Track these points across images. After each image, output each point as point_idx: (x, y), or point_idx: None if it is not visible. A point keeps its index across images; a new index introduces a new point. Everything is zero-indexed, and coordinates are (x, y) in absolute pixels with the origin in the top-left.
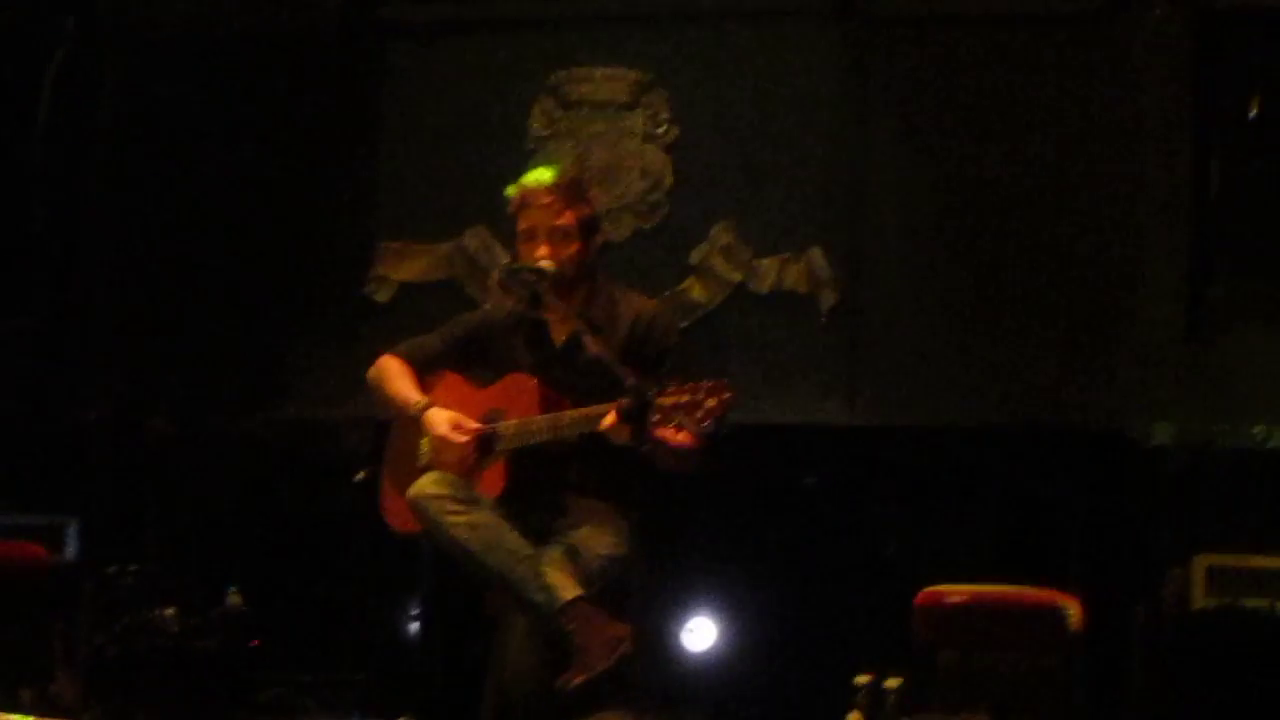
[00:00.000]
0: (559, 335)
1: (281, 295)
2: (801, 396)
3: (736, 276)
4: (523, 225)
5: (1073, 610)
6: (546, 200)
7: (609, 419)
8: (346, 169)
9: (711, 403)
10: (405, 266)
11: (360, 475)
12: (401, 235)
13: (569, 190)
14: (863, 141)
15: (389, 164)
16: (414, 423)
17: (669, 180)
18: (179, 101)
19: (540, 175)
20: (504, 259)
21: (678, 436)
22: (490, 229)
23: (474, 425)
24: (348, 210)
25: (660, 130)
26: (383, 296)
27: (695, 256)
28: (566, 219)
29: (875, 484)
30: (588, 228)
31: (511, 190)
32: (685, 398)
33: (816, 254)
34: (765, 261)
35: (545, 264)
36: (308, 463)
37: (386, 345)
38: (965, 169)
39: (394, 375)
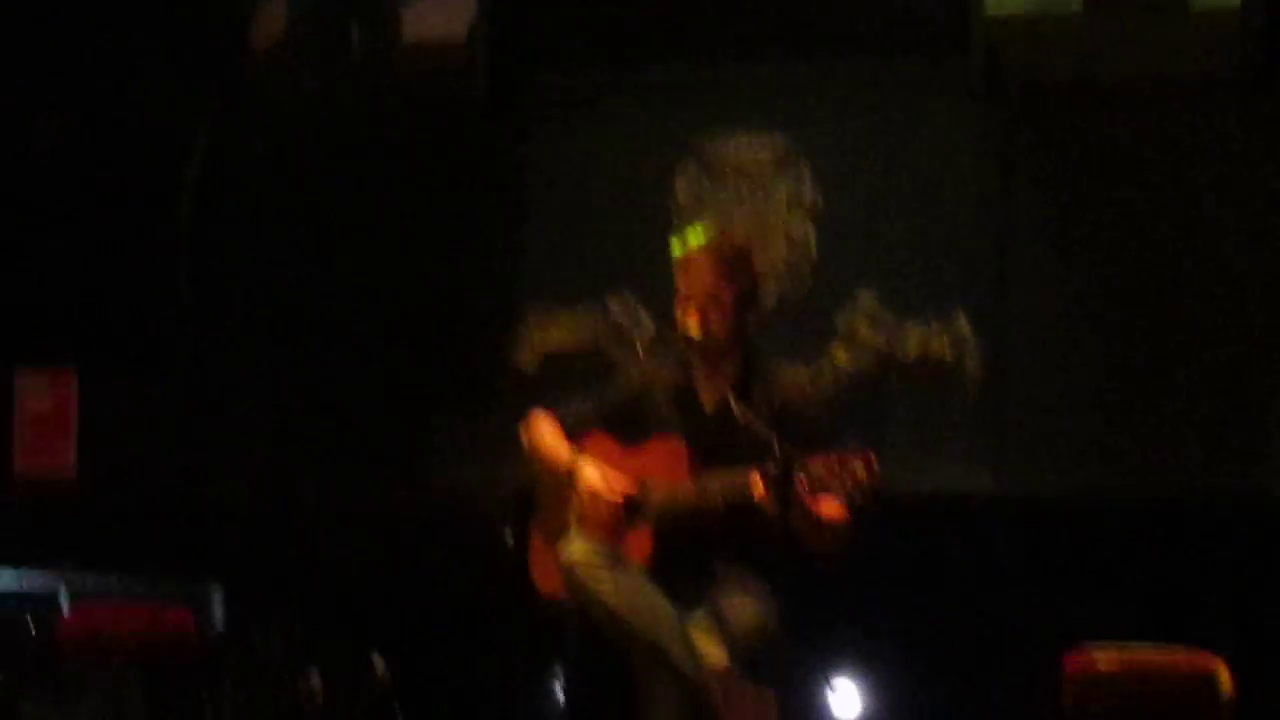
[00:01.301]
0: (709, 402)
1: (426, 365)
2: (948, 466)
3: (881, 342)
4: (681, 287)
5: (1224, 676)
6: (706, 266)
7: (755, 484)
8: (491, 238)
9: (860, 471)
10: (550, 334)
11: (510, 537)
12: (549, 300)
13: (731, 261)
14: (1008, 211)
15: (534, 231)
16: (564, 480)
17: (813, 248)
18: (324, 170)
19: (704, 239)
20: (649, 326)
21: (825, 508)
22: (635, 296)
23: (625, 482)
24: (494, 280)
25: (805, 197)
26: (529, 365)
27: (841, 322)
28: (724, 290)
29: (1023, 556)
30: (743, 299)
31: (676, 249)
32: (834, 465)
33: (961, 320)
34: (911, 327)
35: (692, 329)
36: (452, 530)
37: (533, 405)
38: (1115, 237)
39: (545, 429)
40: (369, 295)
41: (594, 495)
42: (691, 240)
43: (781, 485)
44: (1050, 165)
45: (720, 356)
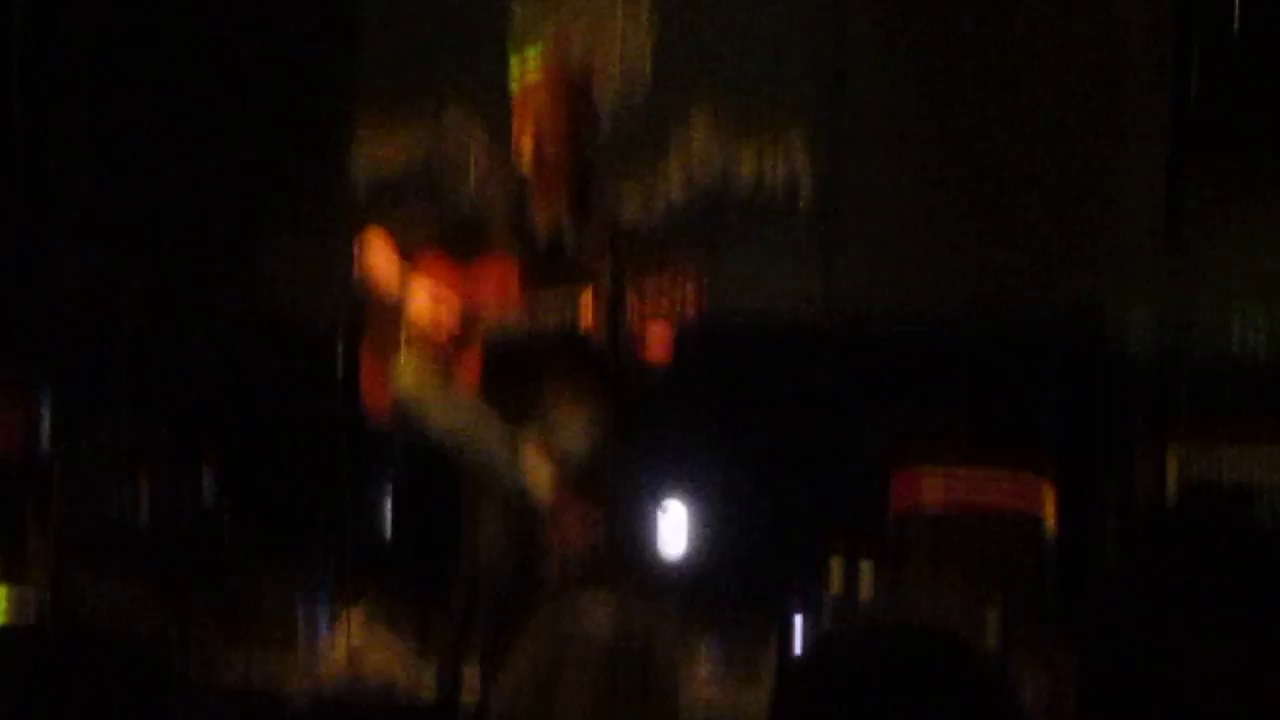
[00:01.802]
0: (543, 224)
1: (257, 173)
2: (780, 285)
3: (715, 161)
4: (517, 116)
5: (1046, 491)
6: (544, 99)
7: (585, 305)
8: (321, 43)
9: (690, 291)
10: (383, 146)
11: (340, 350)
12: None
13: (569, 93)
14: (844, 30)
15: (367, 37)
16: (394, 299)
17: (649, 67)
18: None
19: (542, 67)
20: (484, 145)
21: (651, 344)
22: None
23: (455, 303)
24: (325, 88)
25: (643, 13)
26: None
27: (674, 142)
28: (562, 121)
29: (850, 372)
30: (582, 129)
31: (514, 70)
32: (665, 285)
33: (796, 138)
34: (745, 146)
35: (527, 164)
36: (283, 343)
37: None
38: (949, 49)
39: (377, 248)
40: (197, 99)
41: (424, 316)
42: (530, 68)
43: (613, 305)
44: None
45: (555, 180)
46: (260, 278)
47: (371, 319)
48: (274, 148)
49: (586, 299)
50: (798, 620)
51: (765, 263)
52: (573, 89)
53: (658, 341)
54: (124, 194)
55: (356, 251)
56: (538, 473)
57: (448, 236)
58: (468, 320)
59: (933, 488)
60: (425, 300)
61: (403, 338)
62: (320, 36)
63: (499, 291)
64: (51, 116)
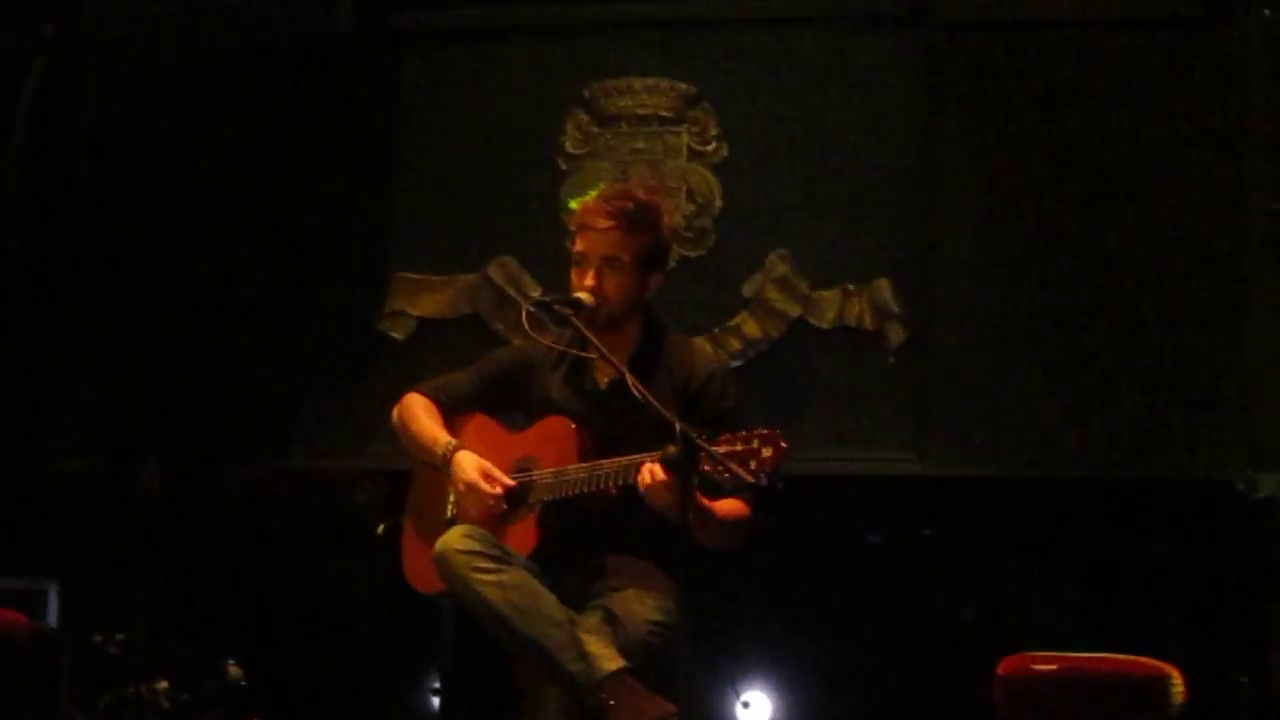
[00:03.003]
0: (602, 378)
1: (288, 333)
2: (867, 445)
3: (794, 310)
4: (577, 248)
5: (1175, 683)
6: (604, 225)
7: (653, 468)
8: (358, 194)
9: (767, 452)
10: (424, 301)
11: (381, 528)
12: (420, 267)
13: (633, 217)
14: (933, 162)
15: (405, 189)
16: (440, 469)
17: (718, 203)
18: (171, 119)
19: (603, 191)
20: (534, 292)
21: (724, 505)
22: (518, 259)
23: (505, 478)
24: (361, 240)
25: (708, 148)
26: (400, 333)
27: (748, 289)
28: (623, 250)
29: (949, 542)
30: (647, 261)
31: (573, 204)
32: (738, 446)
33: (882, 286)
34: (826, 294)
35: (584, 296)
36: (317, 518)
37: (406, 388)
38: (1047, 193)
39: (419, 414)
40: (226, 255)
41: (471, 486)
42: (590, 206)
43: (682, 471)
44: (980, 109)
45: (616, 326)
46: (291, 446)
47: (415, 490)
48: (308, 306)
49: (653, 470)
50: None
51: (852, 422)
52: (635, 208)
53: (732, 514)
54: (139, 360)
55: (397, 415)
56: (600, 661)
57: (497, 398)
58: (521, 492)
59: (1045, 678)
60: (471, 469)
61: (449, 510)
62: (357, 182)
63: (555, 456)
64: (59, 271)
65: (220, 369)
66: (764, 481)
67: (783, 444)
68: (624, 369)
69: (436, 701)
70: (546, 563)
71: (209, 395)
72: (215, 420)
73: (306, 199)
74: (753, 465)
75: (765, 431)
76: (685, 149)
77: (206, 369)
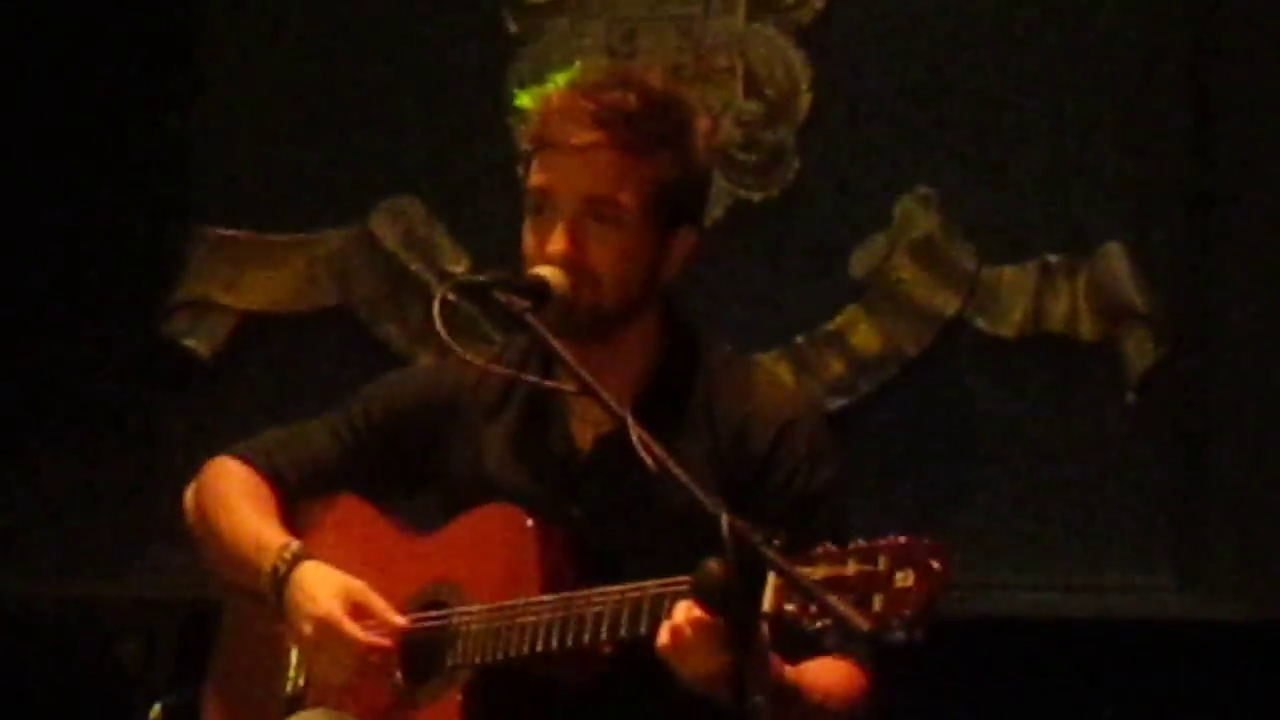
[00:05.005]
0: (584, 429)
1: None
2: (1089, 563)
3: (949, 304)
4: (534, 183)
5: None
6: (585, 138)
7: (684, 607)
8: (140, 97)
9: (905, 579)
10: (250, 281)
11: (157, 713)
12: (242, 219)
13: (640, 122)
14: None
15: (213, 73)
16: (270, 601)
17: (807, 100)
18: None
19: (581, 82)
20: (457, 266)
21: (824, 672)
22: (425, 203)
23: (397, 617)
24: (133, 169)
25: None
26: (203, 342)
27: (862, 263)
28: (621, 184)
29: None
30: (666, 208)
31: (525, 99)
32: (851, 568)
33: (1114, 257)
34: (1008, 272)
35: (547, 272)
36: (46, 688)
37: (215, 448)
38: None
39: (236, 496)
40: None
41: (331, 632)
42: (556, 79)
43: (740, 613)
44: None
45: (610, 332)
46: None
47: (225, 634)
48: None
49: (685, 612)
50: None
51: (1060, 518)
52: (643, 104)
53: (835, 693)
54: None
55: (198, 498)
56: None
57: (385, 467)
58: (429, 647)
59: None
60: (333, 602)
61: (289, 679)
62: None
63: (497, 585)
64: None
65: None
66: (898, 634)
67: (934, 564)
68: (625, 413)
69: None
70: None
71: None
72: None
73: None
74: (878, 604)
75: (902, 540)
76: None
77: None
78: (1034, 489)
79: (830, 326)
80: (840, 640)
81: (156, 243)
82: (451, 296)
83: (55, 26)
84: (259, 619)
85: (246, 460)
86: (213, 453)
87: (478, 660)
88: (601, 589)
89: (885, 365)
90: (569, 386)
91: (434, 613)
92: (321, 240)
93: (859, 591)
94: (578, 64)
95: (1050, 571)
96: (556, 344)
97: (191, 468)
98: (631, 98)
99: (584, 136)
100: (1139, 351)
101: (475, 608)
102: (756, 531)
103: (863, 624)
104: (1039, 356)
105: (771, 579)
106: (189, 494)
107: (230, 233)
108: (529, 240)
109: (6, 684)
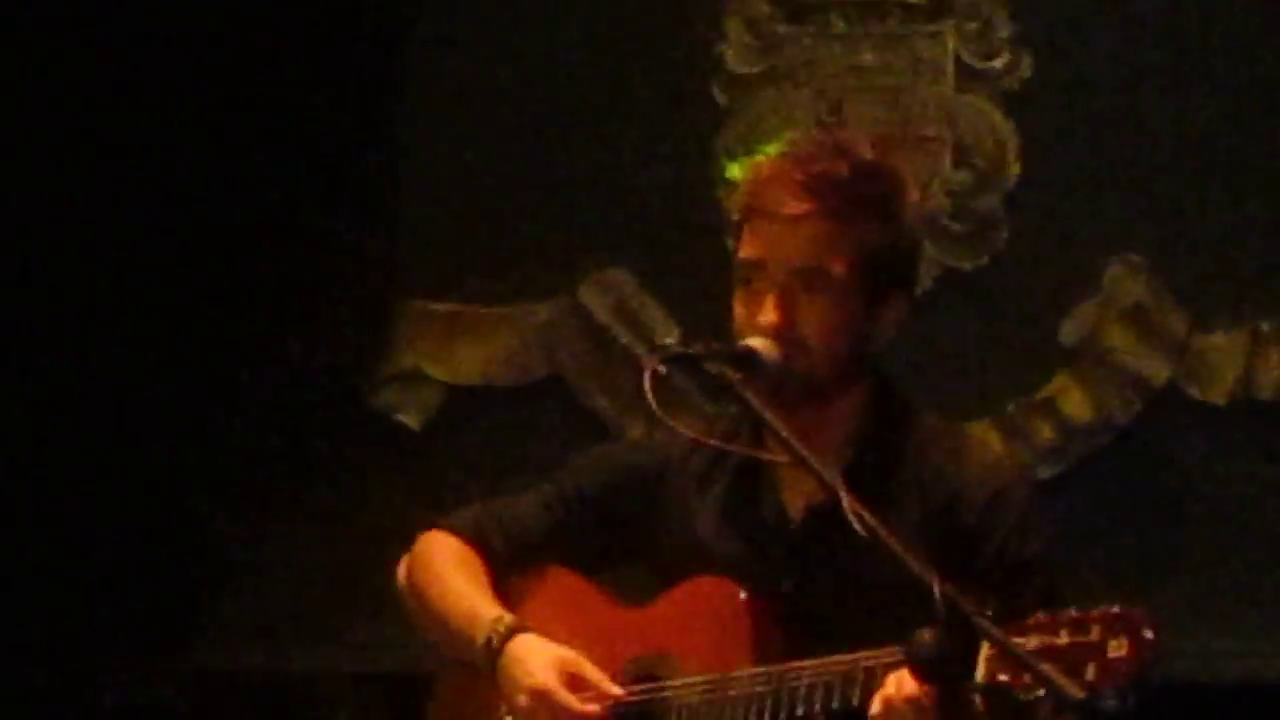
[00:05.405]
0: (795, 499)
1: (215, 416)
2: None
3: (1160, 370)
4: (745, 254)
5: None
6: (797, 209)
7: (899, 677)
8: (347, 170)
9: (1118, 648)
10: (459, 353)
11: None
12: (449, 291)
13: (851, 193)
14: None
15: (419, 149)
16: (484, 671)
17: (1014, 169)
18: None
19: (793, 153)
20: (668, 337)
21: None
22: (635, 274)
23: (613, 687)
24: (340, 243)
25: (996, 63)
26: (414, 415)
27: (1072, 330)
28: (833, 255)
29: None
30: (877, 277)
31: (736, 169)
32: (1064, 638)
33: None
34: (1220, 339)
35: (759, 343)
36: None
37: (426, 520)
38: None
39: (449, 569)
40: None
41: (549, 701)
42: (767, 149)
43: (954, 680)
44: None
45: (821, 400)
46: (212, 636)
47: (440, 709)
48: (246, 370)
49: (899, 682)
50: None
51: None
52: (853, 178)
53: None
54: None
55: (410, 573)
56: None
57: (596, 539)
58: (648, 715)
59: None
60: (548, 672)
61: None
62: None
63: (709, 657)
64: None
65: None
66: (1111, 702)
67: (1147, 633)
68: (837, 481)
69: None
70: None
71: (76, 552)
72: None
73: (252, 185)
74: (1091, 673)
75: (1115, 609)
76: (953, 64)
77: (75, 517)
78: (1244, 556)
79: (1041, 394)
80: (1053, 710)
81: (367, 315)
82: (662, 368)
83: (266, 99)
84: (472, 691)
85: (457, 532)
86: (424, 526)
87: None
88: (813, 661)
89: (1096, 433)
90: (780, 457)
91: (647, 684)
92: (531, 312)
93: (1071, 660)
94: (787, 134)
95: (1261, 638)
96: (768, 414)
97: (403, 540)
98: (842, 167)
99: (795, 206)
100: None
101: (688, 680)
102: (969, 600)
103: (1076, 693)
104: (1249, 424)
105: (984, 648)
106: (401, 566)
107: (440, 306)
108: (739, 311)
109: None
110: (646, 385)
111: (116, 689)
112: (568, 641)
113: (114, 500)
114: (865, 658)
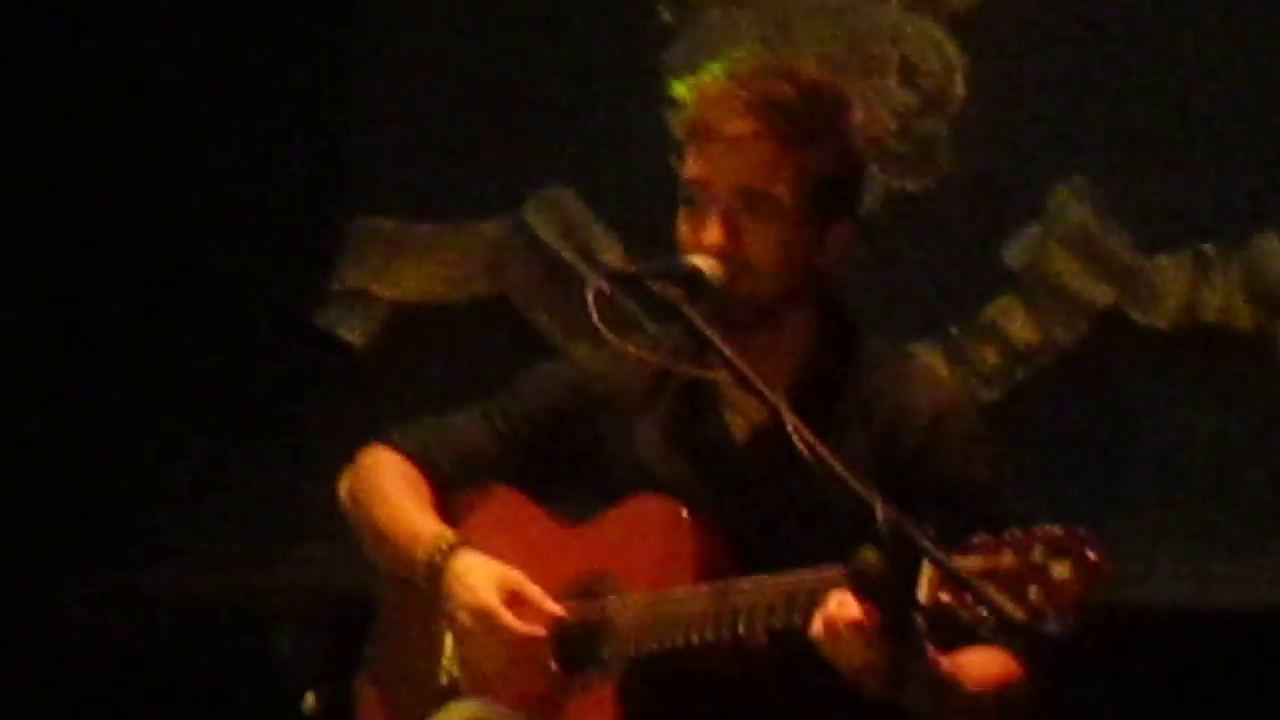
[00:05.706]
0: (739, 420)
1: (144, 340)
2: (1245, 549)
3: (1104, 293)
4: (689, 173)
5: None
6: (742, 128)
7: (840, 598)
8: (295, 88)
9: (1061, 571)
10: (402, 271)
11: (311, 700)
12: (395, 208)
13: (798, 113)
14: None
15: (366, 81)
16: (426, 588)
17: (960, 91)
18: None
19: (737, 73)
20: (610, 255)
21: (981, 662)
22: (579, 193)
23: (554, 606)
24: (293, 166)
25: None
26: (357, 333)
27: (1017, 254)
28: (778, 175)
29: None
30: (823, 199)
31: (682, 88)
32: (1006, 559)
33: (1271, 247)
34: (1164, 263)
35: (704, 262)
36: (199, 679)
37: (368, 436)
38: None
39: (391, 485)
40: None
41: (487, 621)
42: (713, 69)
43: (897, 603)
44: None
45: (767, 322)
46: (153, 551)
47: (383, 627)
48: (187, 291)
49: (841, 603)
50: None
51: (1218, 509)
52: (800, 97)
53: (993, 684)
54: None
55: (353, 488)
56: None
57: (539, 457)
58: (585, 637)
59: None
60: (489, 590)
61: (444, 668)
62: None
63: (651, 575)
64: None
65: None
66: (1053, 625)
67: (1090, 555)
68: (781, 404)
69: None
70: None
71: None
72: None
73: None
74: (1033, 595)
75: (1058, 532)
76: None
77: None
78: (1188, 479)
79: (985, 317)
80: (995, 631)
81: (311, 232)
82: (605, 286)
83: (210, 13)
84: (414, 608)
85: (401, 449)
86: (367, 442)
87: (633, 651)
88: (756, 579)
89: (1039, 356)
90: (723, 377)
91: (589, 603)
92: (476, 230)
93: (1014, 582)
94: (733, 53)
95: (1203, 563)
96: (711, 333)
97: (346, 457)
98: (788, 88)
99: (739, 126)
100: None
101: (630, 598)
102: (912, 522)
103: (1018, 615)
104: (1195, 348)
105: (927, 569)
106: (344, 483)
107: (384, 222)
108: (684, 230)
109: (160, 675)
110: (590, 304)
111: (63, 611)
112: (510, 559)
113: (56, 421)
114: (809, 577)
